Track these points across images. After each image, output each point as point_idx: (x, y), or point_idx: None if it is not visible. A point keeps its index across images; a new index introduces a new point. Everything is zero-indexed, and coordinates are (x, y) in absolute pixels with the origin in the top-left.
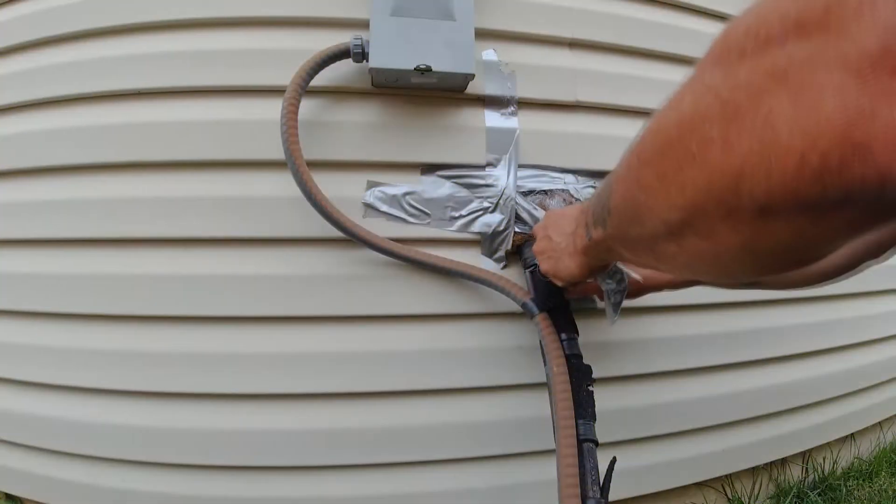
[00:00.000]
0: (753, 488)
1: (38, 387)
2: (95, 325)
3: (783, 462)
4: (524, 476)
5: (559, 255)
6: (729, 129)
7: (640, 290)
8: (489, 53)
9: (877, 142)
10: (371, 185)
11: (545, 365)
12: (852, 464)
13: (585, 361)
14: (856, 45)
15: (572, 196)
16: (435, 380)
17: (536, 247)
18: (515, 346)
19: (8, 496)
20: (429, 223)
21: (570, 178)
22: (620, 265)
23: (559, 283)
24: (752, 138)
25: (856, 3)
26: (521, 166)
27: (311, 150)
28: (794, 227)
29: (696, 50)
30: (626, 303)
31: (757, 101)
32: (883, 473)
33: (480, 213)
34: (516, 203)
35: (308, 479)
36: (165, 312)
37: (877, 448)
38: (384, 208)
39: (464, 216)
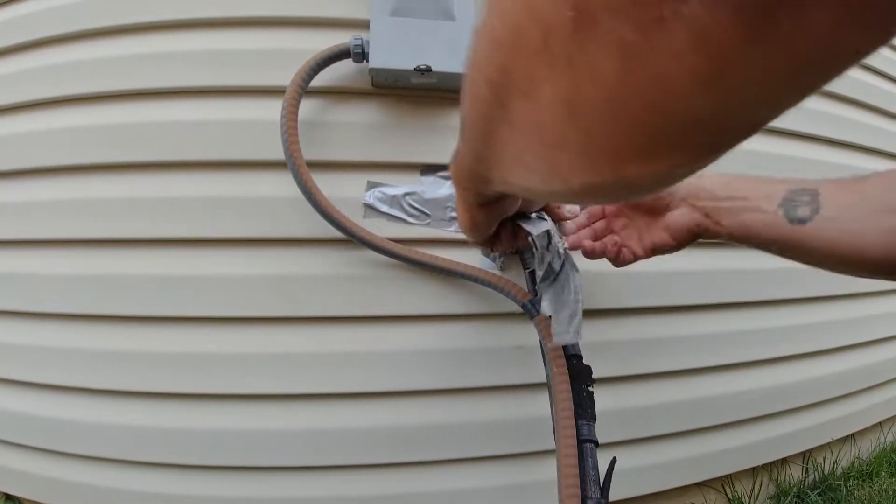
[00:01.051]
0: (753, 488)
1: (38, 387)
2: (95, 325)
3: (783, 462)
4: (524, 476)
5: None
6: None
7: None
8: None
9: None
10: (371, 185)
11: (545, 365)
12: (852, 464)
13: (585, 362)
14: None
15: None
16: (435, 380)
17: None
18: (515, 346)
19: (7, 496)
20: (429, 224)
21: None
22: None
23: (473, 244)
24: None
25: None
26: None
27: (311, 150)
28: (619, 46)
29: None
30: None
31: None
32: (883, 473)
33: None
34: None
35: (308, 479)
36: (165, 313)
37: (877, 448)
38: (384, 209)
39: None
